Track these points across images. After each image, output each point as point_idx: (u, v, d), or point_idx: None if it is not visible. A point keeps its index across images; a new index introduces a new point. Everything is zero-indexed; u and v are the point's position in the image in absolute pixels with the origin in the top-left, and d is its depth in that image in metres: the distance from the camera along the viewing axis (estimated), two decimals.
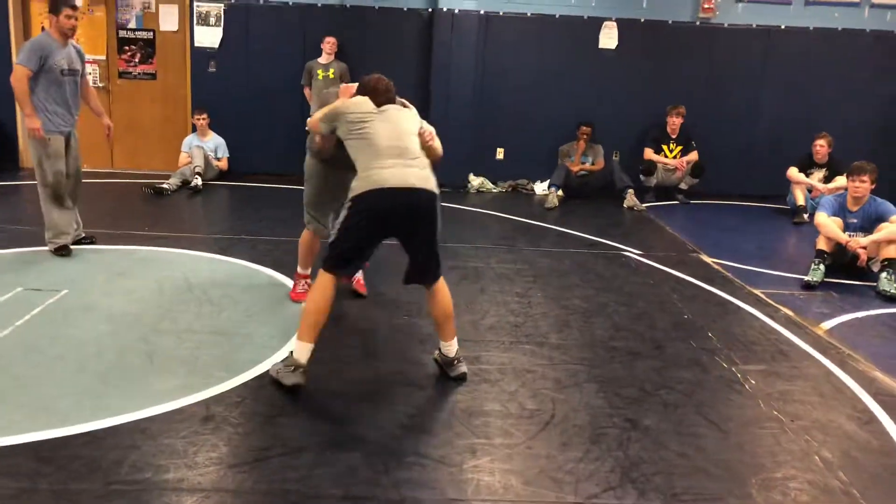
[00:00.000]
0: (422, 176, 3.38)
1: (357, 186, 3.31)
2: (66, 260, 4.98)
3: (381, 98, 3.56)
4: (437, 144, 3.63)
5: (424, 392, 3.34)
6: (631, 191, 7.89)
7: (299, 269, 4.45)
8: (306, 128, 3.95)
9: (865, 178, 5.33)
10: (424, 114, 8.30)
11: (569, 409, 3.26)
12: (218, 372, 3.38)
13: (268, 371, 3.38)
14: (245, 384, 3.29)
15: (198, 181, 7.58)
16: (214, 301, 4.31)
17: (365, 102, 3.54)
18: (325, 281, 3.32)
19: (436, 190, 3.43)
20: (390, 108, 3.57)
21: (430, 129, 3.61)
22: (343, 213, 3.32)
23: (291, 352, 3.33)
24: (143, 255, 5.22)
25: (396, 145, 3.40)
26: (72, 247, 5.12)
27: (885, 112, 8.58)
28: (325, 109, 3.60)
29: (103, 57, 8.50)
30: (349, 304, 4.46)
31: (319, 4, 8.36)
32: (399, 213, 3.31)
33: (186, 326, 3.93)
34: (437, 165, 3.63)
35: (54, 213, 5.03)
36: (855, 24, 8.43)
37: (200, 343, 3.72)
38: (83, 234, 5.36)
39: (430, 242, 3.44)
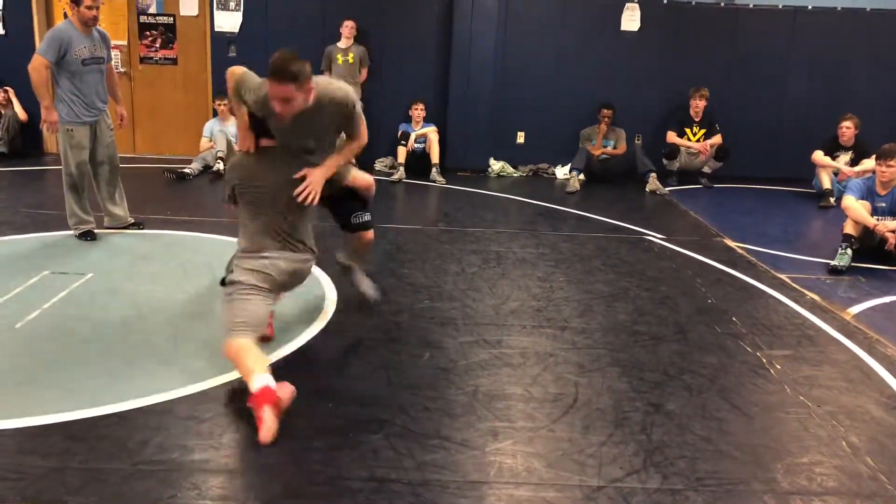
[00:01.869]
0: None
1: None
2: (91, 244, 5.03)
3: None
4: None
5: (447, 376, 3.34)
6: (653, 174, 7.82)
7: None
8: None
9: (893, 162, 5.23)
10: (444, 98, 8.34)
11: (592, 392, 3.25)
12: None
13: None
14: (269, 366, 3.30)
15: (220, 166, 7.62)
16: None
17: None
18: None
19: None
20: None
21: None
22: None
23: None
24: (166, 239, 5.26)
25: None
26: (101, 231, 5.19)
27: None
28: None
29: (125, 42, 8.54)
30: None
31: None
32: None
33: (210, 310, 3.95)
34: None
35: (74, 202, 5.08)
36: (884, 4, 8.26)
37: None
38: (131, 220, 5.41)
39: None
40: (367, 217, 3.82)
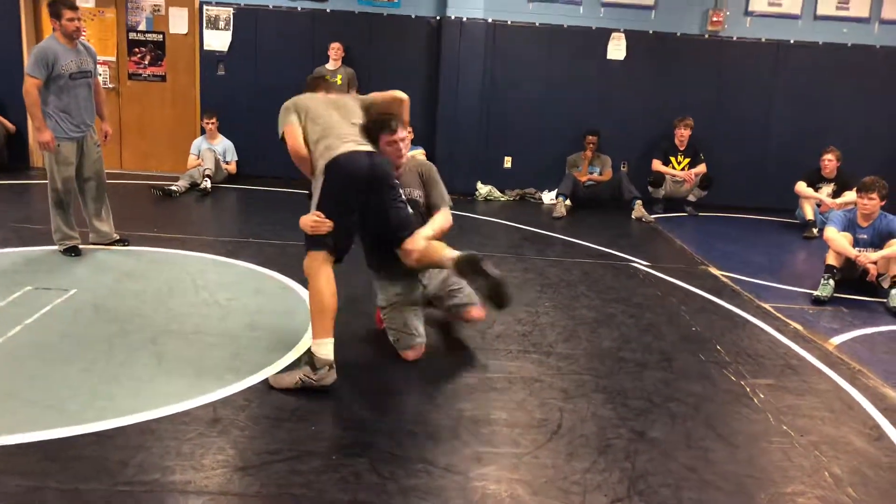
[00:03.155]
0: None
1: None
2: (75, 260, 4.99)
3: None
4: None
5: (432, 400, 3.33)
6: (639, 202, 7.89)
7: None
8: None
9: (874, 195, 5.31)
10: (432, 120, 8.40)
11: (576, 419, 3.24)
12: (225, 374, 3.38)
13: (274, 382, 3.30)
14: (252, 387, 3.28)
15: (207, 183, 7.60)
16: (222, 304, 4.31)
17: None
18: (316, 265, 3.32)
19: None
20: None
21: None
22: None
23: (309, 356, 3.29)
24: (151, 256, 5.22)
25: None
26: (86, 247, 5.15)
27: (892, 128, 8.57)
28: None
29: (113, 58, 8.54)
30: (354, 313, 4.45)
31: (329, 10, 8.39)
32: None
33: (194, 328, 3.93)
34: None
35: (59, 218, 5.04)
36: (864, 40, 8.44)
37: (208, 345, 3.71)
38: (116, 237, 5.37)
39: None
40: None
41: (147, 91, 8.66)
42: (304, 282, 4.66)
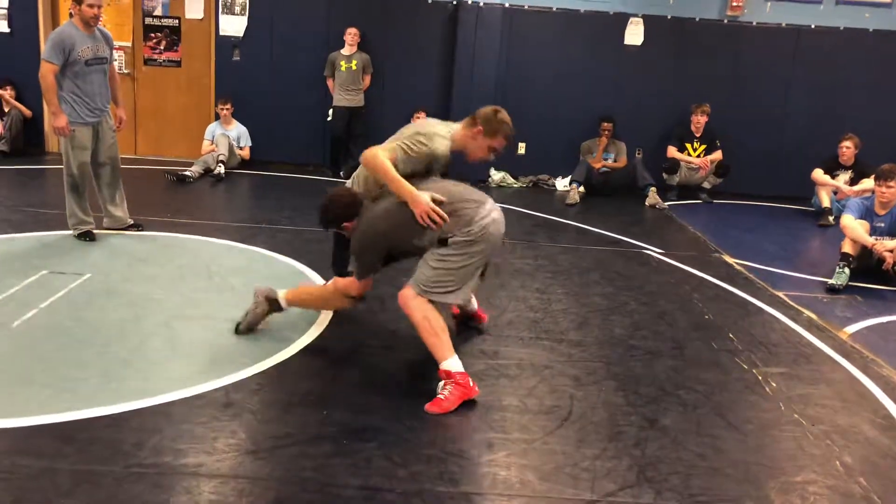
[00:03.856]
0: None
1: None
2: (89, 245, 5.03)
3: None
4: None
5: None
6: (653, 189, 7.83)
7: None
8: None
9: (893, 183, 5.25)
10: (447, 107, 8.36)
11: (587, 406, 3.24)
12: (239, 359, 3.41)
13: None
14: (264, 372, 3.31)
15: (221, 169, 7.63)
16: (235, 289, 4.34)
17: None
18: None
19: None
20: None
21: None
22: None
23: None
24: (165, 241, 5.26)
25: None
26: (100, 232, 5.20)
27: None
28: None
29: (129, 43, 8.55)
30: (370, 292, 4.47)
31: None
32: None
33: (208, 313, 3.96)
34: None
35: (74, 202, 5.08)
36: (886, 25, 8.29)
37: (221, 330, 3.74)
38: (130, 222, 5.42)
39: None
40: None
41: (162, 76, 8.68)
42: (317, 267, 4.72)
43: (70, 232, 5.12)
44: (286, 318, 3.94)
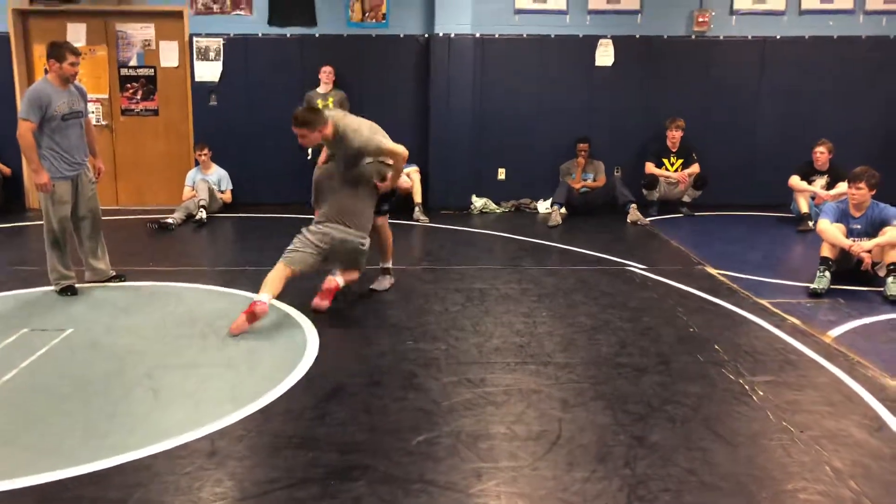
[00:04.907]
0: None
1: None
2: (71, 299, 5.01)
3: None
4: None
5: (429, 417, 3.33)
6: (634, 205, 7.89)
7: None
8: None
9: (862, 184, 5.31)
10: (424, 137, 8.45)
11: (575, 428, 3.24)
12: (223, 405, 3.39)
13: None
14: (250, 416, 3.29)
15: (202, 214, 7.64)
16: (219, 334, 4.32)
17: None
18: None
19: None
20: None
21: None
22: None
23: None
24: (148, 291, 5.25)
25: None
26: (82, 286, 5.18)
27: (885, 116, 8.58)
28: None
29: (106, 95, 8.61)
30: (352, 331, 4.47)
31: (317, 35, 8.47)
32: None
33: (191, 360, 3.94)
34: None
35: (55, 258, 5.06)
36: (850, 31, 8.45)
37: (205, 377, 3.72)
38: (112, 273, 5.41)
39: None
40: (385, 207, 5.21)
41: (140, 126, 8.73)
42: (298, 305, 4.73)
43: (51, 288, 5.10)
44: (269, 361, 3.93)
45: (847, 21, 8.46)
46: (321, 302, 4.75)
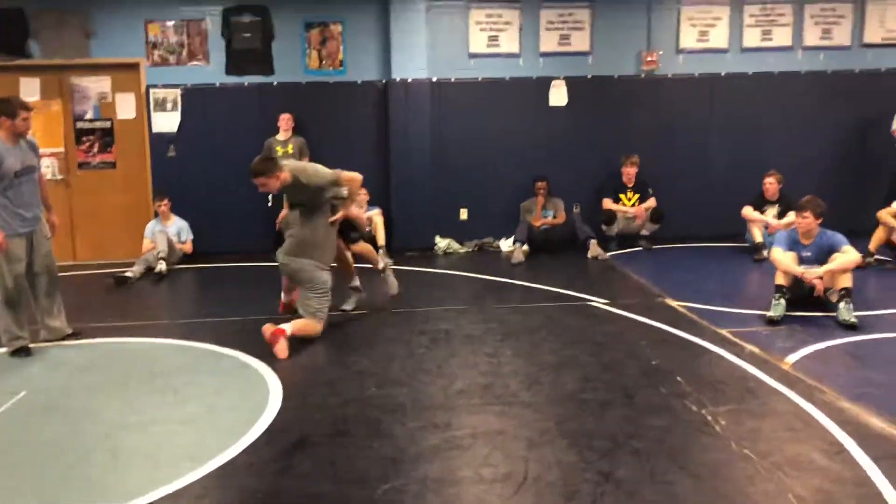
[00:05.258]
0: None
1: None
2: (25, 361, 4.87)
3: None
4: None
5: (396, 465, 3.30)
6: (594, 241, 8.01)
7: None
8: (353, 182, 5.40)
9: (808, 213, 5.47)
10: (386, 180, 8.51)
11: (542, 467, 3.23)
12: (183, 463, 3.31)
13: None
14: (211, 474, 3.22)
15: (162, 266, 7.54)
16: (179, 389, 4.25)
17: None
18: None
19: None
20: None
21: None
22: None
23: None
24: (105, 348, 5.14)
25: None
26: (37, 345, 5.06)
27: (829, 146, 8.89)
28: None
29: (61, 149, 8.53)
30: (316, 380, 4.43)
31: (275, 83, 8.53)
32: None
33: (151, 418, 3.86)
34: None
35: (9, 317, 4.94)
36: (790, 67, 8.79)
37: (165, 434, 3.65)
38: (69, 331, 5.29)
39: None
40: (354, 235, 5.86)
41: (98, 179, 8.64)
42: (261, 356, 4.68)
43: (3, 350, 4.97)
44: (231, 415, 3.87)
45: (787, 57, 8.80)
46: (275, 341, 4.84)
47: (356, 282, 5.94)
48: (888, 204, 7.22)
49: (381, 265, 6.30)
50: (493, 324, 5.51)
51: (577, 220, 8.29)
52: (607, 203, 8.43)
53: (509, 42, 8.62)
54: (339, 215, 5.38)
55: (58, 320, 5.24)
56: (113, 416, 3.90)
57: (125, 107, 8.58)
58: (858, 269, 5.83)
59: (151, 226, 8.14)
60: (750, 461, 3.24)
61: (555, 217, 8.44)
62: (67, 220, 8.29)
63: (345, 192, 5.37)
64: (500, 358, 4.73)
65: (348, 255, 5.87)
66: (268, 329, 4.83)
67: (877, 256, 7.12)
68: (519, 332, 5.31)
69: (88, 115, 8.58)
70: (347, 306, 5.88)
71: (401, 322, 5.62)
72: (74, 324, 5.39)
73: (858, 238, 6.49)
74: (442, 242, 8.62)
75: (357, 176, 5.37)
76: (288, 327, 4.89)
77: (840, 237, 5.50)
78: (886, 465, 3.13)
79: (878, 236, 7.07)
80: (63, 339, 5.24)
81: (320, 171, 5.25)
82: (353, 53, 8.57)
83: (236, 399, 4.11)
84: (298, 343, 4.92)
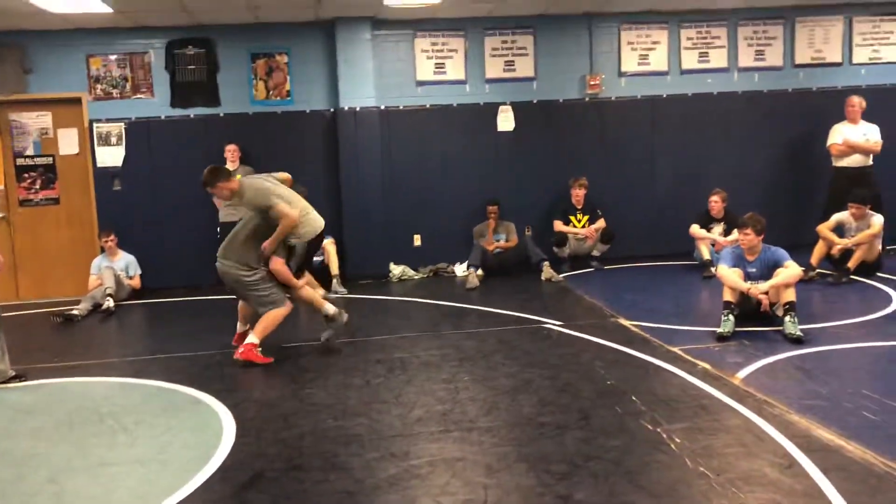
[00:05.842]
0: None
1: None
2: None
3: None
4: None
5: (354, 498, 3.25)
6: (546, 263, 8.10)
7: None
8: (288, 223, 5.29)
9: (749, 230, 5.63)
10: (338, 208, 8.48)
11: (501, 493, 3.22)
12: None
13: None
14: None
15: (109, 303, 7.35)
16: (129, 429, 4.13)
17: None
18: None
19: None
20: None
21: None
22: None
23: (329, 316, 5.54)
24: (51, 389, 4.98)
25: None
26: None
27: (769, 163, 9.18)
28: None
29: (1, 187, 8.29)
30: (270, 414, 4.35)
31: (222, 114, 8.46)
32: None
33: (99, 460, 3.73)
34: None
35: None
36: (727, 88, 9.09)
37: (114, 476, 3.53)
38: (12, 373, 5.11)
39: None
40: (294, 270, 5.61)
41: (41, 216, 8.41)
42: (214, 391, 4.59)
43: None
44: (183, 453, 3.77)
45: (724, 78, 9.09)
46: (249, 356, 5.18)
47: (328, 309, 5.58)
48: (827, 218, 7.49)
49: (327, 311, 5.61)
50: (450, 350, 5.51)
51: (529, 243, 8.37)
52: (558, 225, 8.55)
53: (455, 69, 8.73)
54: (265, 245, 5.31)
55: (1, 363, 5.06)
56: (58, 459, 3.77)
57: (67, 142, 8.40)
58: (801, 283, 6.01)
59: (98, 262, 7.95)
60: (705, 477, 3.29)
61: (507, 240, 8.51)
62: (9, 259, 8.03)
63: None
64: (456, 384, 4.72)
65: (302, 291, 5.59)
66: (238, 354, 5.04)
67: (818, 270, 7.34)
68: (475, 356, 5.32)
69: (29, 152, 8.37)
70: (325, 335, 5.62)
71: (356, 351, 5.57)
72: (18, 365, 5.20)
73: (800, 252, 6.72)
74: (396, 269, 8.60)
75: (291, 214, 5.24)
76: (253, 337, 5.20)
77: (782, 252, 5.67)
78: (836, 477, 3.21)
79: (818, 250, 7.32)
80: (6, 381, 5.05)
81: (260, 196, 5.28)
82: (300, 83, 8.56)
83: (188, 437, 4.01)
84: (251, 376, 4.84)
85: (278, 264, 5.37)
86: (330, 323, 5.61)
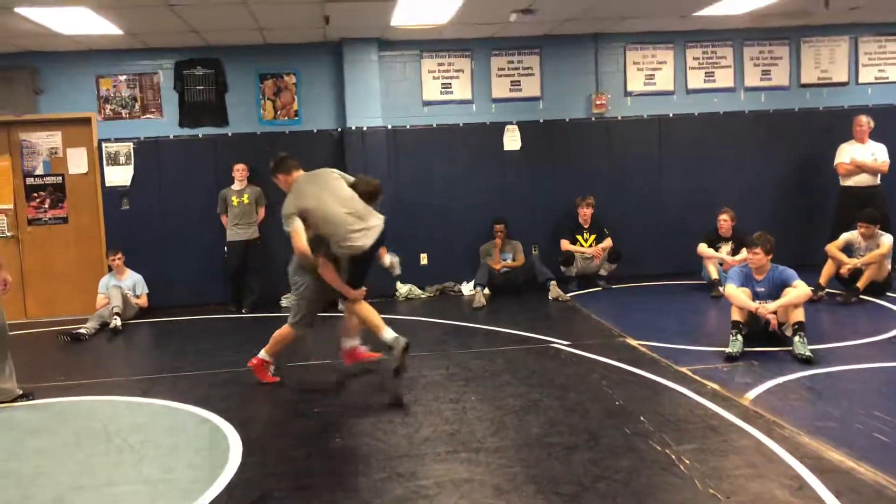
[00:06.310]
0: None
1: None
2: None
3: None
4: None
5: None
6: (554, 282, 8.08)
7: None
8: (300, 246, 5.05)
9: (758, 250, 5.62)
10: None
11: None
12: None
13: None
14: None
15: (117, 322, 7.36)
16: (135, 448, 4.12)
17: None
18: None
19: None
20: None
21: None
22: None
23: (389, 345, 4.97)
24: (58, 408, 4.98)
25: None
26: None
27: (777, 182, 9.18)
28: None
29: (10, 206, 8.35)
30: (277, 433, 4.34)
31: (230, 134, 8.52)
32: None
33: (106, 479, 3.73)
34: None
35: None
36: (734, 107, 9.11)
37: (121, 495, 3.52)
38: (19, 392, 5.11)
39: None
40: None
41: (50, 235, 8.46)
42: (220, 411, 4.58)
43: None
44: (189, 472, 3.76)
45: (730, 98, 9.11)
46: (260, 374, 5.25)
47: (384, 335, 5.07)
48: (835, 238, 7.46)
49: (385, 337, 5.10)
50: (456, 369, 5.49)
51: (536, 262, 8.36)
52: (565, 244, 8.54)
53: (462, 89, 8.78)
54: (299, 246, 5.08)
55: (8, 382, 5.06)
56: (65, 478, 3.76)
57: (77, 161, 8.47)
58: (810, 303, 5.98)
59: (105, 281, 7.97)
60: (715, 499, 3.26)
61: (514, 259, 8.51)
62: (18, 277, 8.06)
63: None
64: (464, 404, 4.70)
65: (358, 305, 5.29)
66: (250, 363, 5.23)
67: (827, 290, 7.31)
68: (482, 376, 5.30)
69: (38, 171, 8.44)
70: (394, 362, 5.01)
71: (363, 371, 5.56)
72: (25, 384, 5.21)
73: (809, 272, 6.69)
74: (403, 288, 8.60)
75: (294, 240, 5.01)
76: (264, 353, 5.25)
77: (791, 272, 5.65)
78: (847, 500, 3.17)
79: (827, 270, 7.28)
80: (13, 400, 5.05)
81: (286, 204, 5.14)
82: (307, 103, 8.63)
83: (195, 456, 4.00)
84: (258, 395, 4.83)
85: (328, 271, 5.15)
86: (387, 353, 5.14)
